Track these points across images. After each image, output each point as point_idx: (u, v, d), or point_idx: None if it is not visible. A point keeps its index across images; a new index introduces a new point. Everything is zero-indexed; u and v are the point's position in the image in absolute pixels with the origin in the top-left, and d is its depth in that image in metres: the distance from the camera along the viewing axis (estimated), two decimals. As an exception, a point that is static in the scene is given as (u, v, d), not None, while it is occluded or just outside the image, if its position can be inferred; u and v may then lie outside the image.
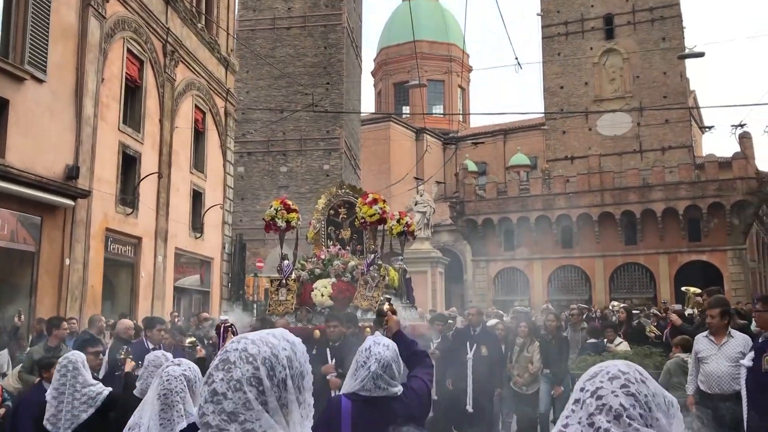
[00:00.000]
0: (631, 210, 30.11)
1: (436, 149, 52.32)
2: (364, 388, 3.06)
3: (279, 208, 8.55)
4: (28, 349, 8.97)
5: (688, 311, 10.61)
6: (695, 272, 27.74)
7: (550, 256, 31.72)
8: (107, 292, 16.80)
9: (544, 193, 31.99)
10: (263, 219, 8.77)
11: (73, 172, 14.29)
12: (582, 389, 1.44)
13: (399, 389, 3.13)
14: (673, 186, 29.88)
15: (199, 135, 21.91)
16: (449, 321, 11.11)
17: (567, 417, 1.42)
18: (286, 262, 8.35)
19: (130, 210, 17.18)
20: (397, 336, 3.74)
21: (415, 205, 23.16)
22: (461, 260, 38.10)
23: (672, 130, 36.75)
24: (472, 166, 39.81)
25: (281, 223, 8.48)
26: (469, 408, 8.26)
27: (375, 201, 8.30)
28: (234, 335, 3.12)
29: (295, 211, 8.66)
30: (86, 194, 14.69)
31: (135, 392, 4.19)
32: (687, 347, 7.13)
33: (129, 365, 5.10)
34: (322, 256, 8.61)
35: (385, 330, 3.95)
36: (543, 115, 40.51)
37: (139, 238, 17.80)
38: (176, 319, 14.78)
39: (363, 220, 8.36)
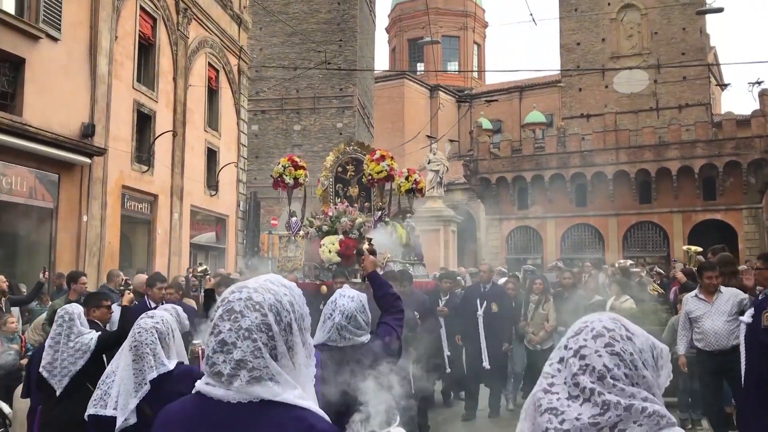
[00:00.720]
0: (646, 168, 29.89)
1: (451, 107, 51.92)
2: (331, 338, 3.16)
3: (287, 165, 8.60)
4: (50, 302, 9.27)
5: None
6: (709, 231, 27.63)
7: (563, 215, 31.68)
8: (124, 248, 17.14)
9: (558, 151, 31.79)
10: (271, 176, 8.84)
11: (88, 130, 14.47)
12: (566, 347, 1.39)
13: (366, 338, 3.22)
14: (690, 144, 29.57)
15: (212, 93, 21.97)
16: (458, 278, 11.23)
17: (552, 376, 1.38)
18: (294, 218, 8.47)
19: (145, 168, 17.40)
20: (371, 276, 3.74)
21: (428, 163, 23.11)
22: (474, 219, 38.14)
23: (690, 88, 36.18)
24: (486, 124, 39.50)
25: (289, 180, 8.55)
26: (486, 365, 8.34)
27: (383, 158, 8.31)
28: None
29: (302, 168, 8.69)
30: (102, 152, 14.89)
31: None
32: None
33: (126, 298, 5.21)
34: (330, 213, 8.65)
35: (362, 268, 3.92)
36: (559, 72, 39.98)
37: (155, 196, 18.06)
38: (190, 275, 15.08)
39: (370, 177, 8.37)
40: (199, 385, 1.57)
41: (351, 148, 9.38)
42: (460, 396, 9.38)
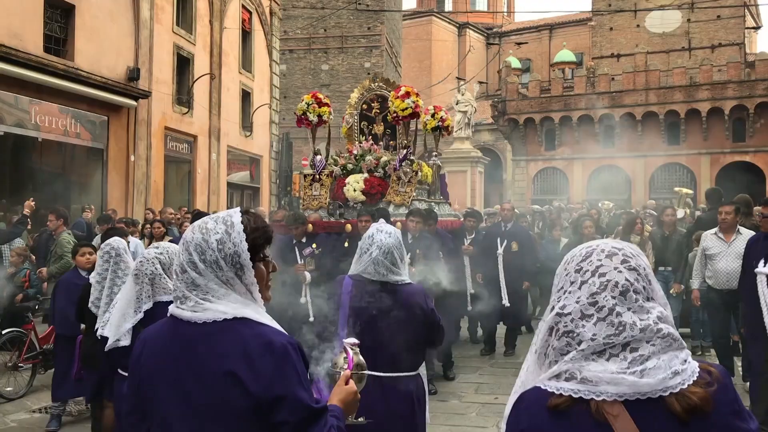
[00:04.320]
0: (675, 109, 29.78)
1: (479, 46, 51.36)
2: (366, 271, 3.23)
3: (310, 102, 8.38)
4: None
5: (679, 212, 10.52)
6: (738, 173, 27.67)
7: (590, 156, 31.84)
8: (167, 187, 17.98)
9: (587, 91, 31.71)
10: (295, 113, 8.73)
11: (134, 74, 15.11)
12: (578, 270, 1.41)
13: (402, 278, 3.26)
14: (721, 85, 29.31)
15: (246, 35, 22.36)
16: (485, 217, 11.42)
17: (559, 299, 1.41)
18: (318, 157, 8.36)
19: (185, 110, 18.04)
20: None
21: (456, 104, 23.32)
22: (501, 159, 38.40)
23: (724, 27, 35.48)
24: (515, 63, 39.16)
25: (313, 118, 8.37)
26: (506, 302, 8.41)
27: (408, 94, 8.05)
28: None
29: (326, 105, 8.48)
30: (147, 95, 15.54)
31: None
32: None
33: None
34: (354, 152, 8.57)
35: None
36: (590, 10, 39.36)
37: (195, 137, 18.76)
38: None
39: (395, 115, 8.14)
40: (171, 308, 1.73)
41: (376, 84, 9.09)
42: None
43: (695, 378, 1.32)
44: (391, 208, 7.67)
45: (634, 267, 1.38)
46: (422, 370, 3.36)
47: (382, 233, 3.24)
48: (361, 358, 2.12)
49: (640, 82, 30.45)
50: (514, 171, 34.70)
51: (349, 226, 7.37)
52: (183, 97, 18.08)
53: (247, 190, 23.41)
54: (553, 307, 1.42)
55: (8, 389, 6.88)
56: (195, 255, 1.69)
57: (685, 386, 1.31)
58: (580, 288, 1.38)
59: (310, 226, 7.22)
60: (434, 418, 6.12)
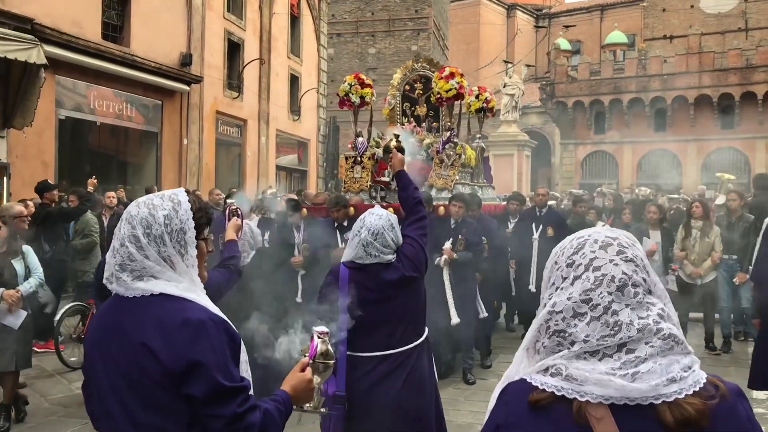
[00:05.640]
0: (729, 92, 28.99)
1: (528, 29, 50.64)
2: (357, 255, 3.19)
3: (353, 83, 8.15)
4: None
5: (720, 198, 10.02)
6: (794, 157, 26.88)
7: (641, 140, 31.28)
8: (218, 169, 18.49)
9: (638, 74, 31.09)
10: (337, 95, 8.56)
11: (186, 59, 15.56)
12: (570, 264, 1.29)
13: (392, 257, 3.21)
14: (779, 67, 28.40)
15: (294, 20, 22.67)
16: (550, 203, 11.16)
17: (550, 296, 1.30)
18: (360, 139, 8.19)
19: (236, 94, 18.47)
20: (398, 175, 3.72)
21: (504, 87, 23.23)
22: (549, 143, 37.97)
23: (784, 6, 34.26)
24: (565, 45, 38.48)
25: (355, 99, 8.13)
26: (532, 288, 8.17)
27: (452, 75, 7.76)
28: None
29: (369, 86, 8.25)
30: (199, 80, 15.99)
31: None
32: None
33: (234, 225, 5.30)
34: (396, 134, 8.28)
35: (390, 167, 3.92)
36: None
37: (245, 120, 19.21)
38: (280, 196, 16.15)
39: (439, 96, 7.87)
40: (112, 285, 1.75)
41: (419, 65, 8.77)
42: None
43: (696, 389, 1.19)
44: (433, 192, 7.51)
45: (631, 258, 1.27)
46: (426, 332, 3.41)
47: (373, 215, 3.23)
48: (329, 347, 2.06)
49: (693, 65, 29.69)
50: (562, 155, 34.34)
51: (390, 210, 7.31)
52: (233, 81, 18.51)
53: (295, 173, 23.85)
54: (545, 304, 1.31)
55: (72, 359, 7.34)
56: (139, 229, 1.69)
57: (682, 396, 1.18)
58: (572, 284, 1.26)
59: (352, 209, 7.06)
60: (473, 395, 6.38)
